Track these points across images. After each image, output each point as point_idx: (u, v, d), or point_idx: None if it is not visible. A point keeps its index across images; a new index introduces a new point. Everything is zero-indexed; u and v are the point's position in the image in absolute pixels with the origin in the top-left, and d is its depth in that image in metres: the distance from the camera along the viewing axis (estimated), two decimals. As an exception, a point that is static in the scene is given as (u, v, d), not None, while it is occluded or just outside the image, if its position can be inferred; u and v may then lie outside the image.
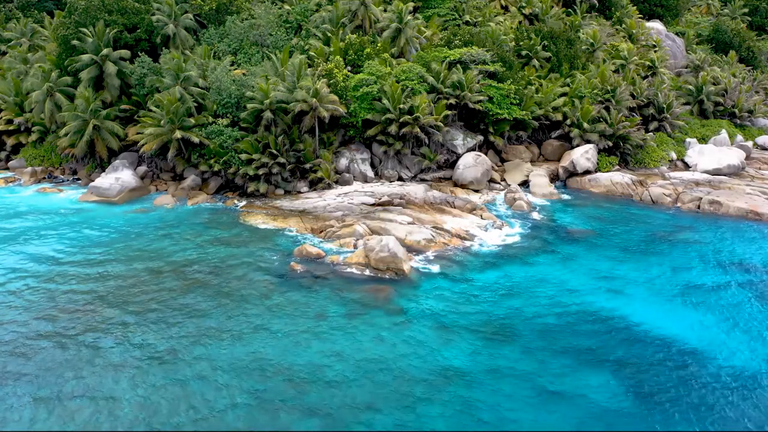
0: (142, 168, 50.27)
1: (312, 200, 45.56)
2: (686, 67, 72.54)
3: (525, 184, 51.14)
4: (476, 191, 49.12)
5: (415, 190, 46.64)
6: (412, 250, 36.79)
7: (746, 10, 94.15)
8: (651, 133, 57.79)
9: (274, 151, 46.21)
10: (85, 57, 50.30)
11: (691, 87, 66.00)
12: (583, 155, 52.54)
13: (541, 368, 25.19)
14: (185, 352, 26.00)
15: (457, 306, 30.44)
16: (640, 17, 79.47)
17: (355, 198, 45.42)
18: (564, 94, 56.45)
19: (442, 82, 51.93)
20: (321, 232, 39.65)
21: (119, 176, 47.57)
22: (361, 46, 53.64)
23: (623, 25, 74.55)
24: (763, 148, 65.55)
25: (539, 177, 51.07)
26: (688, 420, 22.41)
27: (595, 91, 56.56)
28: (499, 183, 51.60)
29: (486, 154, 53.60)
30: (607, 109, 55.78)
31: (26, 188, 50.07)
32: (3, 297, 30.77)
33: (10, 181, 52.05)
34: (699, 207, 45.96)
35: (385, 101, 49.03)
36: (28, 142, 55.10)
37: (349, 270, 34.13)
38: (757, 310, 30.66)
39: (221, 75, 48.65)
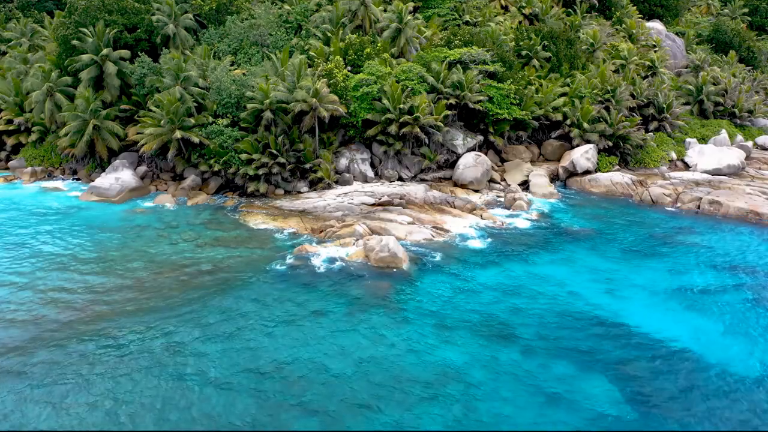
0: (142, 168, 50.26)
1: (312, 200, 45.56)
2: (686, 67, 72.54)
3: (525, 184, 51.11)
4: (476, 191, 49.13)
5: (415, 190, 46.64)
6: (412, 249, 36.81)
7: (746, 10, 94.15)
8: (651, 133, 57.80)
9: (274, 151, 46.21)
10: (85, 57, 50.31)
11: (691, 87, 65.99)
12: (583, 155, 52.54)
13: (540, 369, 25.20)
14: (184, 350, 26.01)
15: (457, 306, 30.45)
16: (640, 17, 79.44)
17: (355, 198, 45.42)
18: (564, 94, 56.44)
19: (442, 82, 51.92)
20: (321, 232, 39.66)
21: (119, 176, 47.59)
22: (361, 46, 53.64)
23: (623, 25, 74.53)
24: (763, 148, 65.53)
25: (539, 177, 51.07)
26: (686, 422, 22.41)
27: (595, 91, 56.56)
28: (499, 183, 51.58)
29: (486, 154, 53.61)
30: (607, 109, 55.78)
31: (26, 188, 50.07)
32: (2, 296, 30.77)
33: (10, 180, 52.10)
34: (699, 207, 45.95)
35: (385, 101, 49.03)
36: (28, 142, 55.11)
37: (348, 270, 34.14)
38: (756, 312, 30.66)
39: (221, 75, 48.66)
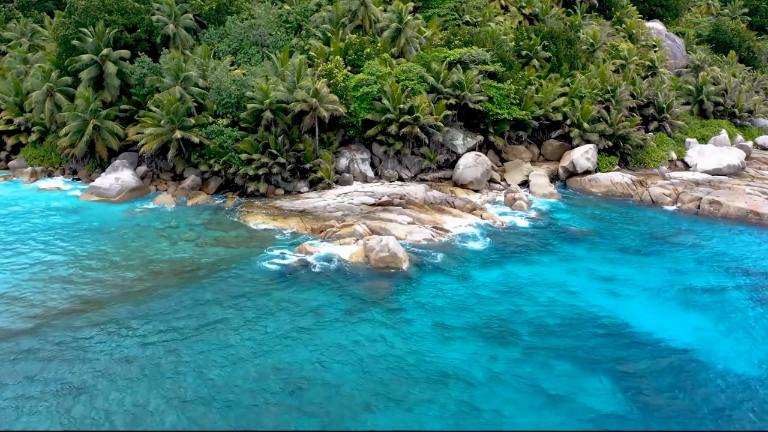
0: (142, 168, 50.25)
1: (312, 200, 45.56)
2: (686, 67, 72.52)
3: (525, 184, 51.13)
4: (476, 191, 49.12)
5: (415, 190, 46.64)
6: (412, 249, 36.82)
7: (746, 10, 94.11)
8: (651, 133, 57.78)
9: (274, 151, 46.21)
10: (85, 57, 50.30)
11: (691, 87, 65.97)
12: (583, 155, 52.53)
13: (541, 369, 25.20)
14: (183, 350, 26.01)
15: (457, 306, 30.45)
16: (640, 17, 79.41)
17: (355, 198, 45.42)
18: (564, 94, 56.43)
19: (442, 82, 51.91)
20: (321, 232, 39.67)
21: (119, 176, 47.58)
22: (361, 46, 53.64)
23: (623, 25, 74.51)
24: (763, 148, 65.52)
25: (539, 177, 51.07)
26: (686, 422, 22.42)
27: (595, 91, 56.54)
28: (499, 183, 51.58)
29: (486, 154, 53.60)
30: (607, 109, 55.77)
31: (26, 188, 50.05)
32: (1, 296, 30.78)
33: (9, 179, 52.12)
34: (699, 207, 45.93)
35: (385, 101, 49.02)
36: (28, 142, 55.10)
37: (348, 270, 34.14)
38: (755, 313, 30.66)
39: (221, 75, 48.65)
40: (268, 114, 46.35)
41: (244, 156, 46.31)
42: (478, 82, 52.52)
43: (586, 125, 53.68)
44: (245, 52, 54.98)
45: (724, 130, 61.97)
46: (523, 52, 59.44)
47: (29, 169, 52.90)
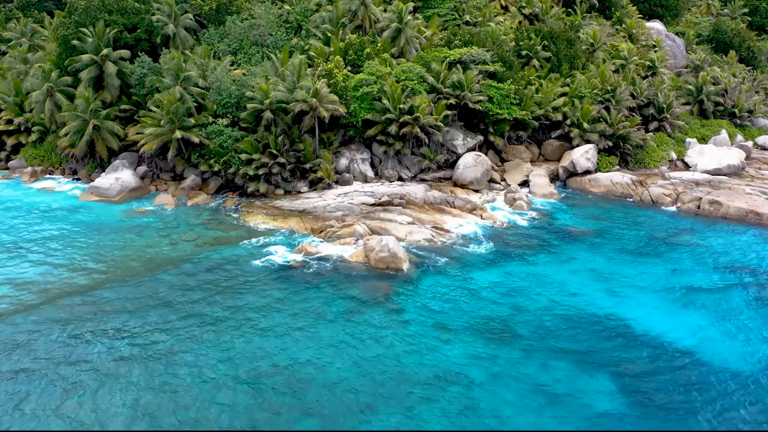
0: (142, 168, 50.25)
1: (312, 200, 45.56)
2: (686, 67, 72.51)
3: (525, 184, 51.12)
4: (476, 191, 49.11)
5: (415, 190, 46.63)
6: (412, 250, 36.82)
7: (746, 10, 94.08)
8: (651, 133, 57.78)
9: (274, 151, 46.20)
10: (85, 57, 50.29)
11: (691, 87, 65.97)
12: (583, 155, 52.53)
13: (541, 369, 25.21)
14: (184, 350, 26.02)
15: (457, 306, 30.46)
16: (640, 17, 79.43)
17: (355, 198, 45.42)
18: (564, 94, 56.43)
19: (442, 82, 51.91)
20: (321, 232, 39.67)
21: (119, 176, 47.58)
22: (361, 46, 53.64)
23: (623, 25, 74.53)
24: (763, 148, 65.51)
25: (539, 177, 51.06)
26: (686, 422, 22.43)
27: (595, 91, 56.54)
28: (499, 183, 51.57)
29: (486, 154, 53.59)
30: (607, 109, 55.77)
31: (26, 188, 50.03)
32: (1, 295, 30.77)
33: (8, 178, 52.11)
34: (699, 207, 45.90)
35: (385, 101, 49.02)
36: (28, 142, 55.10)
37: (348, 270, 34.14)
38: (755, 313, 30.68)
39: (221, 75, 48.64)
40: (268, 114, 46.35)
41: (244, 156, 46.30)
42: (478, 82, 52.52)
43: (586, 125, 53.68)
44: (245, 52, 54.98)
45: (724, 130, 61.97)
46: (523, 52, 59.44)
47: (29, 169, 52.91)
